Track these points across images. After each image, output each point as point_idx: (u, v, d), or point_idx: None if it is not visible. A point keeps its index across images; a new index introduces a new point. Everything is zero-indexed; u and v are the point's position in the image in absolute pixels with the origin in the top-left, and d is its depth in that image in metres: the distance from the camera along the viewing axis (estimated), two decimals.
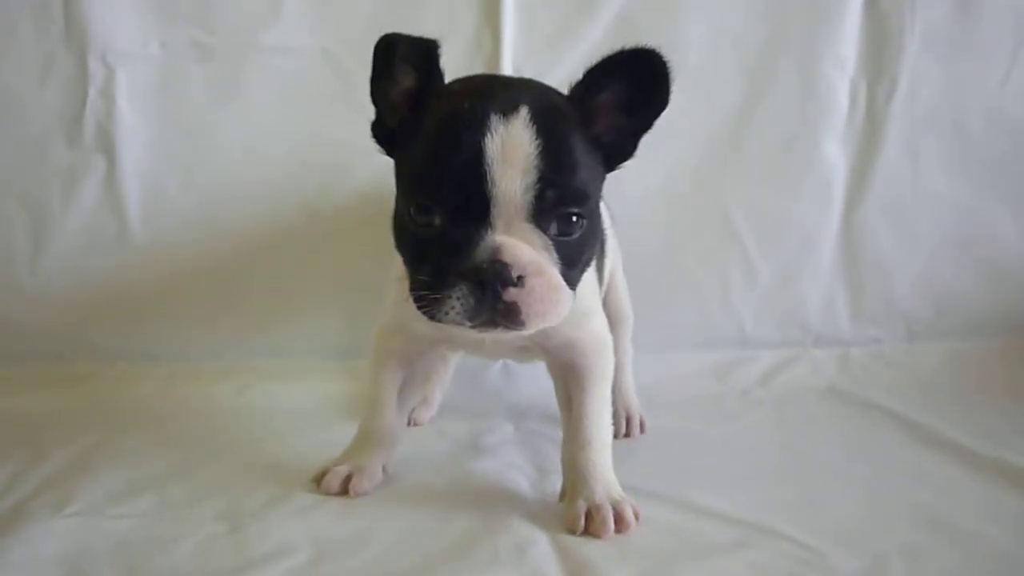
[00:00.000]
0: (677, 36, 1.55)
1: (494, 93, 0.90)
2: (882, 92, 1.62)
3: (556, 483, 1.09)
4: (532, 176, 0.86)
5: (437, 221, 0.88)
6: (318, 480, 1.11)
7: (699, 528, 1.00)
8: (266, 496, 1.08)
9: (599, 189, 0.95)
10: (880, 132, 1.63)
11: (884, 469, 1.20)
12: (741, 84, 1.60)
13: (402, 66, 0.92)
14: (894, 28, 1.60)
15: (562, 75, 1.56)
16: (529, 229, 0.87)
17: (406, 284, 0.94)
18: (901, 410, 1.44)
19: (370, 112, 1.55)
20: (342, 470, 1.10)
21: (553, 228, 0.88)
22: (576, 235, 0.90)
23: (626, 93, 0.93)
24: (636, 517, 1.00)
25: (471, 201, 0.86)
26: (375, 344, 1.15)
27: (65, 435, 1.28)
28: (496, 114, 0.87)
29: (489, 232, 0.86)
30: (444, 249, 0.87)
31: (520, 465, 1.21)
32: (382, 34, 0.91)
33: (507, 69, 1.54)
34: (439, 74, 0.93)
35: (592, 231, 0.93)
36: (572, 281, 0.91)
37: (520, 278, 0.85)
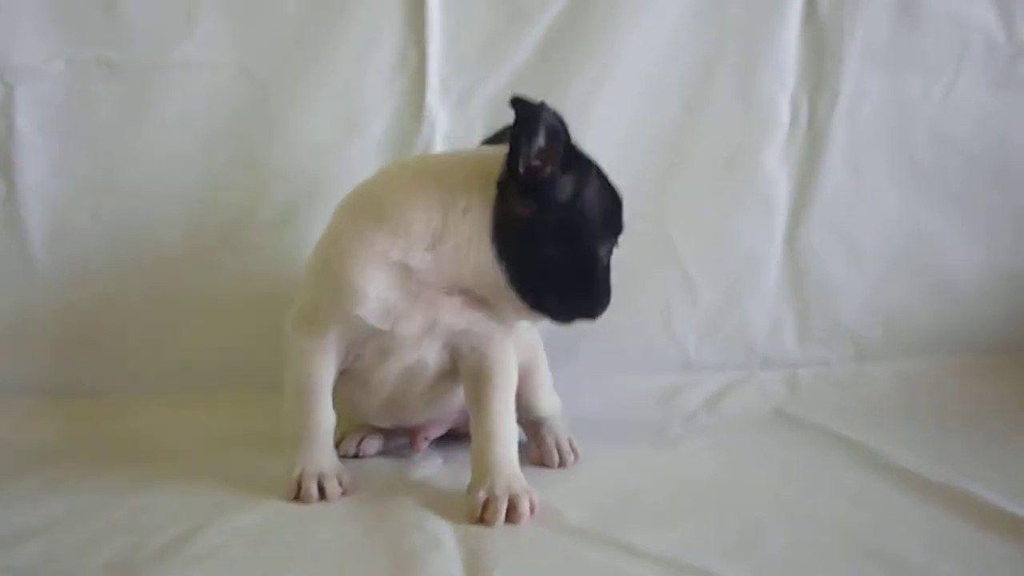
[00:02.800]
0: (611, 50, 1.51)
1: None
2: (823, 106, 1.59)
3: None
4: None
5: (606, 252, 1.13)
6: (295, 495, 1.10)
7: (626, 569, 0.92)
8: (167, 538, 0.99)
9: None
10: (822, 147, 1.59)
11: (828, 498, 1.14)
12: (678, 98, 1.56)
13: (544, 128, 1.03)
14: (833, 39, 1.57)
15: (491, 90, 1.56)
16: None
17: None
18: (849, 434, 1.38)
19: (285, 127, 1.51)
20: (310, 473, 1.11)
21: None
22: None
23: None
24: (532, 509, 1.06)
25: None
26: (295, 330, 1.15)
27: None
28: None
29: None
30: (605, 270, 1.13)
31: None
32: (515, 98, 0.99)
33: (433, 84, 1.49)
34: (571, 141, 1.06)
35: None
36: None
37: None
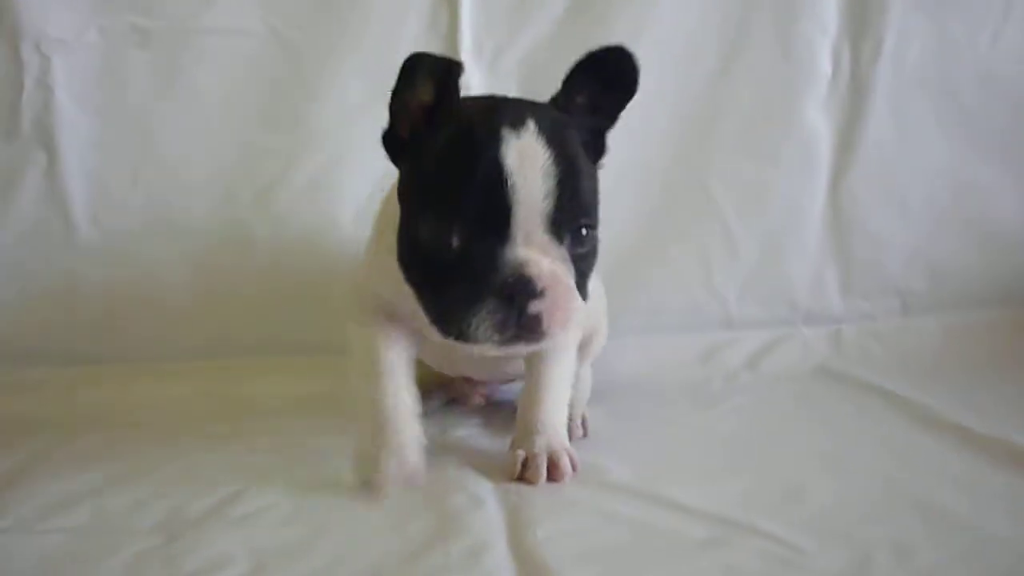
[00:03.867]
0: (646, 3, 1.48)
1: (502, 109, 0.93)
2: (866, 54, 1.54)
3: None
4: (550, 184, 0.88)
5: (455, 240, 0.88)
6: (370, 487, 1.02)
7: (669, 525, 0.92)
8: (210, 503, 1.00)
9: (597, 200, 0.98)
10: (865, 97, 1.55)
11: (873, 453, 1.13)
12: (716, 50, 1.52)
13: (424, 80, 0.92)
14: None
15: (524, 50, 1.54)
16: (547, 241, 0.89)
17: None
18: (895, 389, 1.36)
19: (317, 91, 1.53)
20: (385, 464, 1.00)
21: (567, 241, 0.91)
22: (587, 247, 0.93)
23: (596, 93, 0.97)
24: (573, 467, 1.06)
25: (491, 214, 0.87)
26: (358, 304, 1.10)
27: (6, 445, 1.20)
28: (508, 127, 0.89)
29: (510, 246, 0.87)
30: (464, 267, 0.88)
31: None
32: (412, 53, 0.91)
33: (466, 44, 1.47)
34: (457, 94, 0.93)
35: (597, 240, 0.96)
36: (584, 290, 0.94)
37: (543, 290, 0.87)
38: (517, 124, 0.89)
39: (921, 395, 1.33)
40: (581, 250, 0.91)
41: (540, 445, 1.06)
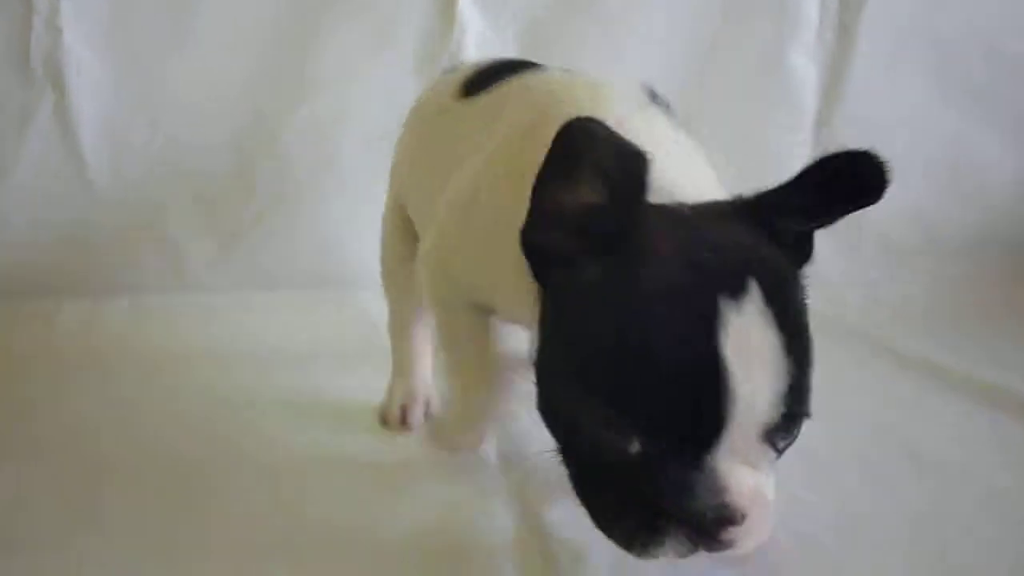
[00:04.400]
0: None
1: (711, 252, 0.65)
2: (853, 1, 1.57)
3: None
4: (782, 383, 0.63)
5: (635, 446, 0.64)
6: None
7: None
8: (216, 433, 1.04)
9: None
10: (852, 45, 1.59)
11: (862, 398, 1.15)
12: None
13: (592, 177, 0.65)
14: None
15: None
16: (759, 449, 0.65)
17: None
18: (882, 335, 1.40)
19: (318, 37, 1.57)
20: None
21: (783, 439, 0.67)
22: (797, 434, 0.69)
23: (825, 199, 0.69)
24: None
25: (694, 424, 0.62)
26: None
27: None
28: (726, 295, 0.62)
29: (711, 461, 0.63)
30: (644, 482, 0.64)
31: None
32: (576, 118, 0.64)
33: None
34: (643, 209, 0.65)
35: None
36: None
37: (743, 516, 0.65)
38: (737, 289, 0.63)
39: (908, 341, 1.36)
40: (792, 440, 0.69)
41: None
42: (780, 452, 0.67)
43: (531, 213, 0.67)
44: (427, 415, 1.07)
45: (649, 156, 0.64)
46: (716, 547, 0.65)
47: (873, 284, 1.63)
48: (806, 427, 0.95)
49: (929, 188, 1.64)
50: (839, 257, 1.64)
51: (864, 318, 1.51)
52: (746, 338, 0.61)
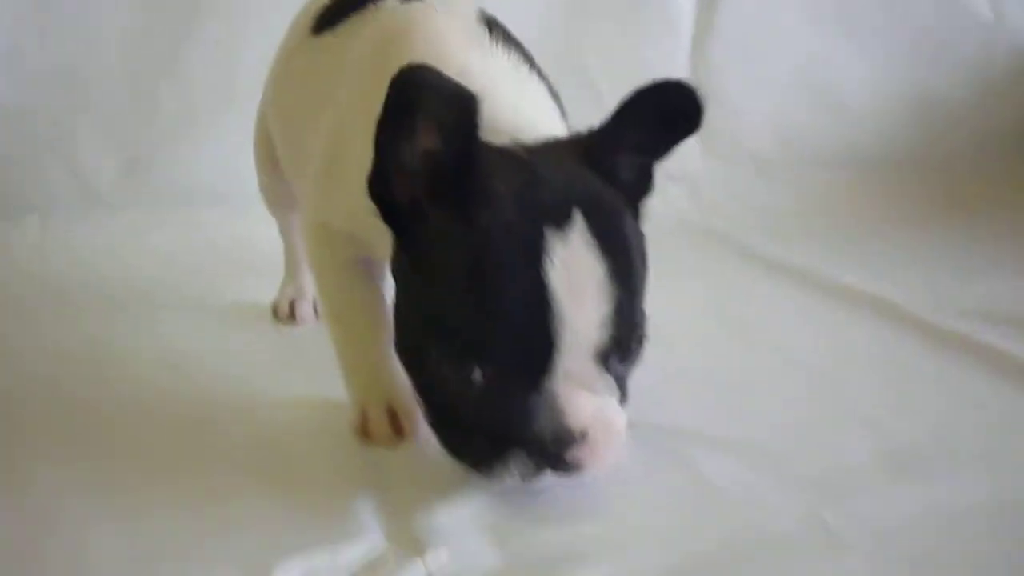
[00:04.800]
0: None
1: (539, 188, 0.69)
2: None
3: None
4: (605, 309, 0.67)
5: (477, 376, 0.68)
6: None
7: None
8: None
9: None
10: None
11: (718, 290, 1.26)
12: None
13: (427, 123, 0.68)
14: None
15: None
16: (594, 372, 0.69)
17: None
18: (749, 241, 1.50)
19: None
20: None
21: (619, 363, 0.71)
22: (637, 358, 0.73)
23: (649, 130, 0.75)
24: None
25: (528, 351, 0.67)
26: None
27: None
28: (551, 226, 0.67)
29: (548, 385, 0.68)
30: (489, 410, 0.69)
31: None
32: (406, 66, 0.66)
33: None
34: (478, 152, 0.69)
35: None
36: (626, 391, 0.75)
37: (583, 436, 0.69)
38: (562, 220, 0.67)
39: (773, 246, 1.46)
40: (631, 366, 0.73)
41: None
42: (622, 377, 0.72)
43: (374, 164, 0.71)
44: (318, 311, 1.14)
45: (480, 98, 0.67)
46: (563, 468, 0.69)
47: (739, 192, 1.74)
48: (678, 318, 1.05)
49: (795, 104, 1.78)
50: (709, 164, 1.76)
51: (734, 224, 1.62)
52: (570, 266, 0.66)
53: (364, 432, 0.85)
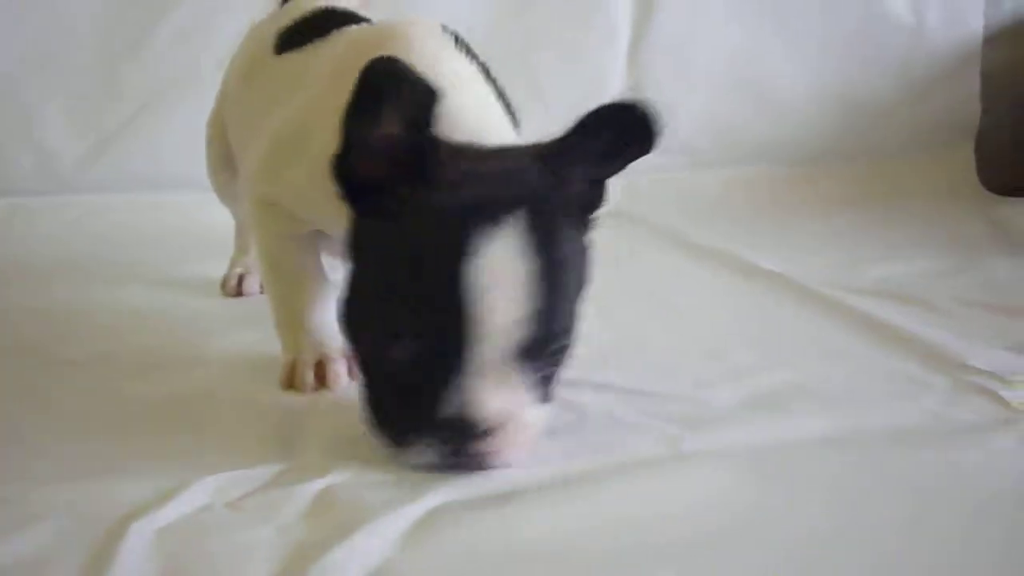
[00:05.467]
0: None
1: (485, 186, 0.73)
2: None
3: None
4: (524, 311, 0.71)
5: (400, 352, 0.73)
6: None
7: None
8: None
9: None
10: None
11: (660, 281, 1.34)
12: None
13: (389, 113, 0.73)
14: None
15: None
16: (511, 369, 0.73)
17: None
18: (683, 230, 1.60)
19: None
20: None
21: (538, 364, 0.74)
22: (560, 365, 0.77)
23: (607, 143, 0.77)
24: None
25: (447, 339, 0.71)
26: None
27: None
28: (487, 225, 0.70)
29: (463, 375, 0.71)
30: (406, 385, 0.73)
31: None
32: (377, 58, 0.72)
33: None
34: (433, 147, 0.74)
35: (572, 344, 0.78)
36: (551, 392, 0.78)
37: (488, 431, 0.73)
38: (499, 219, 0.70)
39: (705, 235, 1.56)
40: (553, 369, 0.76)
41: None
42: (546, 377, 0.75)
43: (341, 144, 0.75)
44: (262, 289, 1.17)
45: (443, 95, 0.72)
46: (465, 459, 0.73)
47: (673, 184, 1.85)
48: (620, 300, 1.14)
49: (727, 100, 1.89)
50: (646, 160, 1.84)
51: (665, 213, 1.72)
52: (496, 265, 0.69)
53: (290, 382, 0.93)
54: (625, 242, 1.56)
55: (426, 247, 0.71)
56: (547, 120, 1.84)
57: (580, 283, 0.77)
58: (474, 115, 0.81)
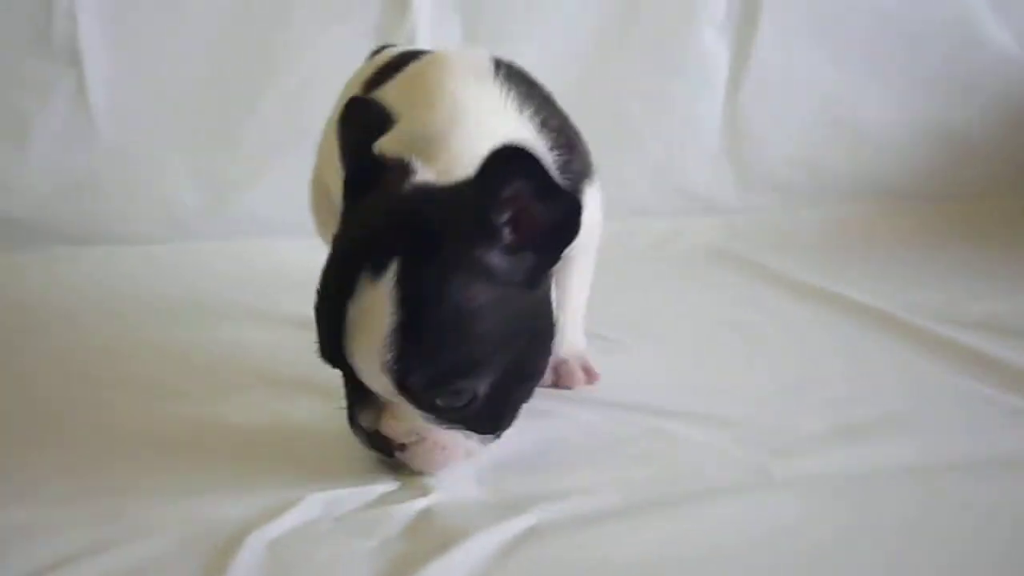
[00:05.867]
0: None
1: (380, 231, 0.76)
2: None
3: None
4: (389, 356, 0.72)
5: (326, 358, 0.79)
6: None
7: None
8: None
9: (519, 330, 0.78)
10: (755, 20, 1.83)
11: (762, 317, 1.33)
12: None
13: (343, 137, 0.85)
14: None
15: None
16: (404, 405, 0.76)
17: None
18: (780, 267, 1.61)
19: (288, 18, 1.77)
20: None
21: (438, 401, 0.76)
22: (469, 404, 0.76)
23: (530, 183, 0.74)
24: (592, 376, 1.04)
25: (344, 367, 0.77)
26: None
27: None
28: (367, 269, 0.73)
29: (373, 395, 0.77)
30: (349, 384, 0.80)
31: None
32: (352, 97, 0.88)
33: None
34: (366, 173, 0.81)
35: (491, 388, 0.77)
36: (496, 422, 0.80)
37: (402, 446, 0.78)
38: (379, 266, 0.72)
39: (801, 272, 1.56)
40: (460, 405, 0.76)
41: (566, 351, 1.04)
42: (456, 409, 0.76)
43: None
44: None
45: (392, 121, 0.82)
46: (397, 462, 0.80)
47: (769, 223, 1.86)
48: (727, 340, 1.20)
49: (821, 139, 1.90)
50: (742, 197, 1.90)
51: (759, 249, 1.73)
52: (364, 310, 0.72)
53: None
54: (716, 276, 1.61)
55: (322, 281, 0.78)
56: (649, 167, 1.89)
57: (465, 331, 0.74)
58: (471, 148, 0.79)
